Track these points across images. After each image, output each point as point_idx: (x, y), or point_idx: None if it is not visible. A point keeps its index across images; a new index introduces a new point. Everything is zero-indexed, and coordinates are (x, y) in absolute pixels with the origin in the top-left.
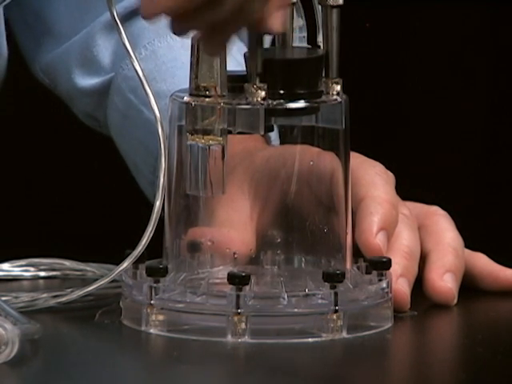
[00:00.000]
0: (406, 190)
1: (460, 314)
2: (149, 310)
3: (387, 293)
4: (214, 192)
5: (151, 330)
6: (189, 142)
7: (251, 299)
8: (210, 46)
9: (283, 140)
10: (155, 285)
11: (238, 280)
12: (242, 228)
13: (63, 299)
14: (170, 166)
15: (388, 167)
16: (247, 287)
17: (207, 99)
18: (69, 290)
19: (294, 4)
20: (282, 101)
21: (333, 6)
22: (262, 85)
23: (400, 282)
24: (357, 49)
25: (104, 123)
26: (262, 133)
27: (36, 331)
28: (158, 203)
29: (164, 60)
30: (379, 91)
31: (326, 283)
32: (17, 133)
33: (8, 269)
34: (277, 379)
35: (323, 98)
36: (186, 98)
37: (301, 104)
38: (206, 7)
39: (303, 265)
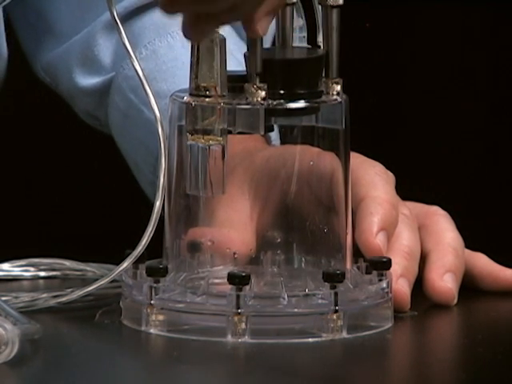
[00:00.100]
0: (406, 190)
1: (460, 314)
2: (149, 310)
3: (387, 293)
4: (213, 192)
5: (151, 330)
6: (189, 142)
7: (251, 299)
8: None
9: (283, 140)
10: (155, 285)
11: (238, 280)
12: (242, 228)
13: (63, 299)
14: (170, 166)
15: (388, 167)
16: (247, 287)
17: (207, 99)
18: (69, 290)
19: (294, 4)
20: (282, 101)
21: (333, 6)
22: (261, 85)
23: (400, 282)
24: (357, 49)
25: (105, 122)
26: (262, 133)
27: (36, 331)
28: (158, 203)
29: (164, 60)
30: (379, 91)
31: (326, 283)
32: (17, 133)
33: (8, 269)
34: (277, 379)
35: (323, 98)
36: (185, 98)
37: (301, 104)
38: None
39: (303, 265)
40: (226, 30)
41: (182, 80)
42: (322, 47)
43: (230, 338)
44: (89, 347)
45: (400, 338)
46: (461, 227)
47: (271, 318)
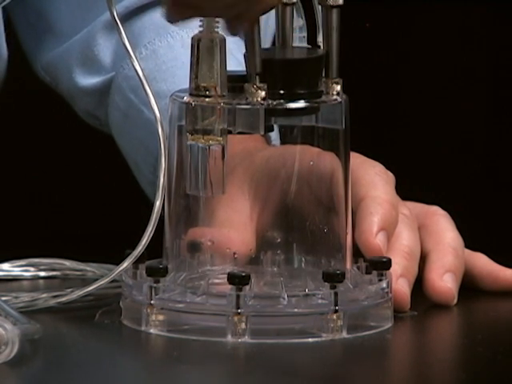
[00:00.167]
0: (406, 189)
1: (460, 314)
2: (149, 310)
3: (387, 293)
4: (214, 192)
5: (151, 330)
6: (189, 142)
7: (251, 299)
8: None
9: (283, 140)
10: (155, 285)
11: (237, 280)
12: (242, 228)
13: (63, 299)
14: (170, 166)
15: (388, 167)
16: (247, 287)
17: (207, 99)
18: (69, 290)
19: (293, 4)
20: (281, 101)
21: (333, 6)
22: (261, 85)
23: (400, 282)
24: (357, 49)
25: (105, 122)
26: (262, 133)
27: (36, 331)
28: (158, 203)
29: (164, 59)
30: (379, 91)
31: (326, 283)
32: (17, 133)
33: (8, 269)
34: (277, 379)
35: (323, 98)
36: (185, 98)
37: (301, 104)
38: None
39: (303, 265)
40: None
41: (182, 80)
42: (321, 47)
43: (229, 338)
44: (89, 347)
45: (400, 338)
46: (461, 227)
47: (271, 318)
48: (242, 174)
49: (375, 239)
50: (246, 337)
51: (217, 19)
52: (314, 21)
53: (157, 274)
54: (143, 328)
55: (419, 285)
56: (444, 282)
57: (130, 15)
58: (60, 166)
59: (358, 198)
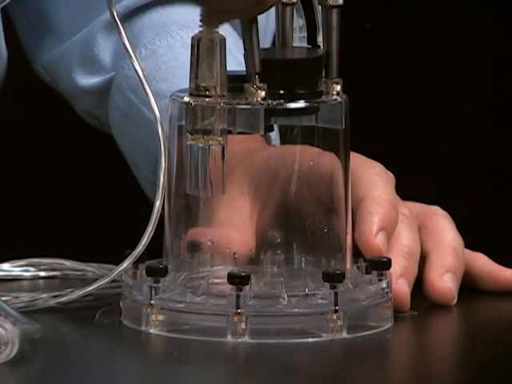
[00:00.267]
0: (406, 190)
1: (460, 314)
2: (149, 310)
3: (387, 293)
4: (214, 192)
5: (151, 330)
6: (189, 142)
7: (251, 299)
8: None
9: (283, 140)
10: (155, 285)
11: (237, 280)
12: (242, 228)
13: (63, 299)
14: (169, 166)
15: (388, 167)
16: (247, 287)
17: (207, 99)
18: (69, 290)
19: (293, 4)
20: (281, 101)
21: (333, 6)
22: (261, 85)
23: (400, 282)
24: (357, 49)
25: (105, 122)
26: (262, 133)
27: (36, 331)
28: (158, 203)
29: (164, 59)
30: (379, 91)
31: (326, 283)
32: (17, 133)
33: (8, 269)
34: (277, 379)
35: (323, 98)
36: (185, 98)
37: (301, 104)
38: None
39: (303, 265)
40: (225, 29)
41: (182, 80)
42: (321, 47)
43: (229, 338)
44: (89, 347)
45: (400, 338)
46: (461, 227)
47: (271, 318)
48: (242, 173)
49: (375, 239)
50: (246, 337)
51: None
52: (314, 21)
53: (157, 273)
54: (143, 328)
55: (419, 285)
56: (444, 281)
57: (129, 15)
58: (60, 165)
59: (358, 197)
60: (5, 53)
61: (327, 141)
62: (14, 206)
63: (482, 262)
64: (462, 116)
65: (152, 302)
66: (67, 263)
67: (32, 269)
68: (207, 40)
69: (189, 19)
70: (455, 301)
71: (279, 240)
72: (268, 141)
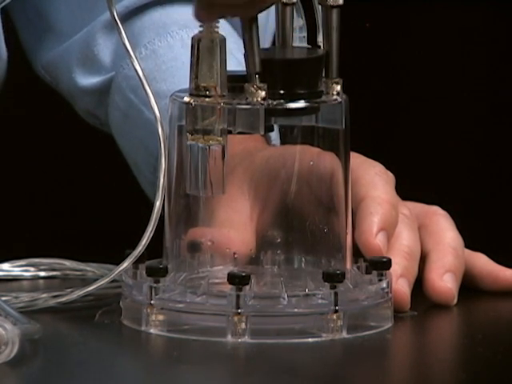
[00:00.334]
0: (406, 189)
1: (460, 314)
2: (149, 310)
3: (387, 293)
4: (214, 192)
5: (151, 330)
6: (189, 142)
7: (251, 299)
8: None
9: (283, 140)
10: (155, 285)
11: (238, 280)
12: (242, 228)
13: (63, 299)
14: (170, 166)
15: (388, 167)
16: (247, 287)
17: (207, 99)
18: (69, 290)
19: (294, 4)
20: (282, 101)
21: (333, 6)
22: (262, 85)
23: (400, 283)
24: (357, 49)
25: (105, 122)
26: (262, 133)
27: (36, 331)
28: (158, 203)
29: (164, 59)
30: (379, 91)
31: (326, 283)
32: (17, 134)
33: (8, 269)
34: (277, 379)
35: (323, 98)
36: (185, 98)
37: (301, 104)
38: None
39: (303, 265)
40: (225, 29)
41: (182, 80)
42: (322, 47)
43: (229, 338)
44: (89, 347)
45: (400, 338)
46: (461, 227)
47: (271, 318)
48: (242, 173)
49: (375, 239)
50: (246, 337)
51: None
52: (314, 21)
53: (157, 274)
54: (143, 328)
55: (419, 285)
56: (444, 281)
57: (129, 15)
58: (60, 165)
59: (358, 198)
60: (5, 53)
61: (327, 141)
62: (14, 206)
63: (482, 262)
64: (462, 116)
65: (152, 302)
66: (67, 263)
67: (32, 269)
68: (207, 40)
69: (189, 19)
70: (455, 301)
71: (279, 240)
72: (268, 141)
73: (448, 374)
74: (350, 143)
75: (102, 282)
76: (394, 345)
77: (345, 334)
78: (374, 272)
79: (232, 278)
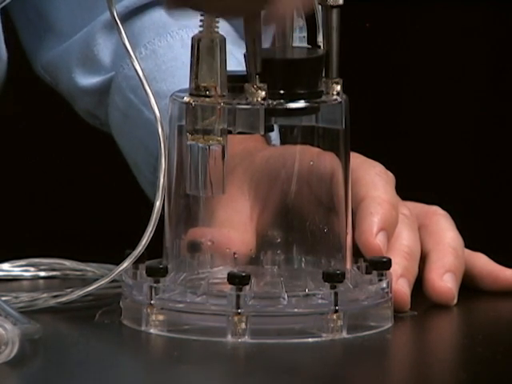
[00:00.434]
0: (406, 189)
1: (460, 314)
2: (149, 310)
3: (387, 293)
4: (214, 192)
5: (151, 330)
6: (189, 142)
7: (251, 299)
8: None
9: (283, 140)
10: (155, 285)
11: (238, 280)
12: (242, 228)
13: (63, 299)
14: (169, 166)
15: (388, 167)
16: (247, 287)
17: (207, 99)
18: (69, 290)
19: None
20: (282, 101)
21: (333, 6)
22: (262, 85)
23: (400, 283)
24: (357, 49)
25: (105, 122)
26: (262, 133)
27: (36, 331)
28: (158, 203)
29: (164, 59)
30: (379, 91)
31: (326, 283)
32: (17, 134)
33: (8, 269)
34: (277, 379)
35: (323, 98)
36: (185, 98)
37: (301, 104)
38: None
39: (303, 265)
40: (225, 29)
41: (182, 80)
42: (322, 47)
43: (229, 338)
44: (89, 347)
45: (400, 338)
46: (461, 227)
47: (271, 318)
48: (242, 174)
49: (375, 239)
50: (246, 337)
51: (217, 19)
52: (314, 21)
53: (157, 274)
54: (143, 328)
55: (419, 285)
56: (444, 281)
57: (129, 15)
58: (60, 165)
59: (358, 198)
60: (5, 54)
61: (327, 141)
62: (13, 206)
63: (482, 262)
64: (462, 116)
65: (152, 302)
66: (67, 263)
67: (32, 269)
68: (207, 40)
69: (189, 19)
70: (455, 301)
71: (279, 240)
72: (268, 141)
73: (448, 374)
74: (349, 143)
75: (102, 282)
76: (394, 345)
77: (345, 334)
78: (374, 272)
79: (232, 278)
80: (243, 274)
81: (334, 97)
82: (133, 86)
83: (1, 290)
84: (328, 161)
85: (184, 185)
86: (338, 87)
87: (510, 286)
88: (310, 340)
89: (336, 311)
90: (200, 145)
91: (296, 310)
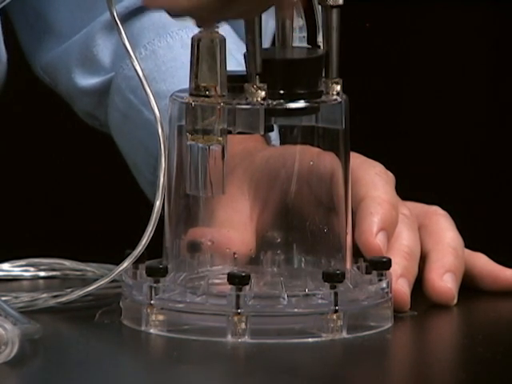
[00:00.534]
0: (406, 189)
1: (460, 314)
2: (149, 310)
3: (387, 293)
4: (214, 192)
5: (151, 330)
6: (189, 142)
7: (251, 299)
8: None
9: (283, 140)
10: (155, 285)
11: (237, 280)
12: (242, 228)
13: (63, 299)
14: (169, 166)
15: (388, 167)
16: (247, 287)
17: (207, 99)
18: (69, 290)
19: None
20: (281, 101)
21: (333, 6)
22: (262, 85)
23: (400, 283)
24: (357, 49)
25: (104, 122)
26: (262, 133)
27: (36, 331)
28: (158, 203)
29: (164, 60)
30: (379, 91)
31: (326, 283)
32: (17, 134)
33: (8, 269)
34: (277, 379)
35: (323, 98)
36: (185, 98)
37: (301, 104)
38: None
39: (303, 265)
40: (225, 30)
41: (182, 80)
42: (322, 47)
43: (229, 338)
44: (89, 347)
45: (400, 338)
46: (461, 227)
47: (271, 318)
48: (242, 174)
49: (375, 239)
50: (246, 337)
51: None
52: (314, 21)
53: (157, 273)
54: (143, 328)
55: (419, 285)
56: (444, 281)
57: (129, 15)
58: (60, 166)
59: (358, 198)
60: (4, 56)
61: (327, 141)
62: (13, 206)
63: (482, 262)
64: (462, 116)
65: (152, 302)
66: (67, 263)
67: (32, 269)
68: (207, 40)
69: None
70: (455, 301)
71: (279, 240)
72: (268, 141)
73: (448, 374)
74: (350, 143)
75: (101, 282)
76: (394, 345)
77: (345, 334)
78: (374, 272)
79: (232, 278)
80: (243, 274)
81: (334, 97)
82: (132, 86)
83: (1, 289)
84: (328, 161)
85: (184, 185)
86: (338, 87)
87: (510, 285)
88: (310, 340)
89: (336, 311)
90: (200, 145)
91: (296, 309)
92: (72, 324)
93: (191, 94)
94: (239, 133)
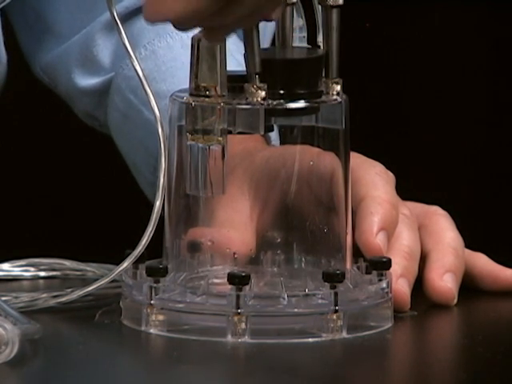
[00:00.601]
0: (406, 189)
1: (460, 314)
2: (149, 310)
3: (387, 293)
4: (214, 192)
5: (151, 330)
6: (189, 142)
7: (251, 299)
8: (211, 38)
9: (283, 140)
10: (155, 285)
11: (237, 280)
12: (242, 228)
13: (63, 299)
14: (169, 166)
15: (388, 167)
16: (247, 287)
17: (207, 99)
18: (69, 290)
19: (293, 4)
20: (281, 101)
21: (333, 6)
22: (262, 85)
23: (400, 283)
24: (357, 49)
25: (104, 123)
26: (262, 133)
27: (36, 331)
28: (158, 203)
29: (164, 60)
30: (379, 91)
31: (326, 283)
32: (17, 134)
33: (8, 269)
34: (277, 379)
35: (323, 98)
36: (185, 98)
37: (301, 104)
38: (219, 12)
39: (303, 265)
40: None
41: (182, 80)
42: (322, 47)
43: (229, 338)
44: (89, 347)
45: (400, 338)
46: (461, 227)
47: (271, 318)
48: (242, 174)
49: (375, 239)
50: (246, 337)
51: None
52: (314, 21)
53: (157, 273)
54: (143, 328)
55: (419, 285)
56: (444, 281)
57: (129, 16)
58: (60, 166)
59: (358, 197)
60: (4, 57)
61: (327, 141)
62: (13, 206)
63: (482, 262)
64: (462, 116)
65: (152, 302)
66: (67, 263)
67: (32, 269)
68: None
69: None
70: (455, 301)
71: (279, 240)
72: (268, 141)
73: (448, 374)
74: (349, 143)
75: (101, 282)
76: (394, 345)
77: (345, 334)
78: (374, 272)
79: (232, 278)
80: (243, 274)
81: (334, 97)
82: (132, 86)
83: (1, 289)
84: (328, 161)
85: (184, 185)
86: (338, 87)
87: (510, 286)
88: (310, 340)
89: (336, 311)
90: (200, 145)
91: (296, 309)
92: (72, 324)
93: (191, 94)
94: (239, 133)
